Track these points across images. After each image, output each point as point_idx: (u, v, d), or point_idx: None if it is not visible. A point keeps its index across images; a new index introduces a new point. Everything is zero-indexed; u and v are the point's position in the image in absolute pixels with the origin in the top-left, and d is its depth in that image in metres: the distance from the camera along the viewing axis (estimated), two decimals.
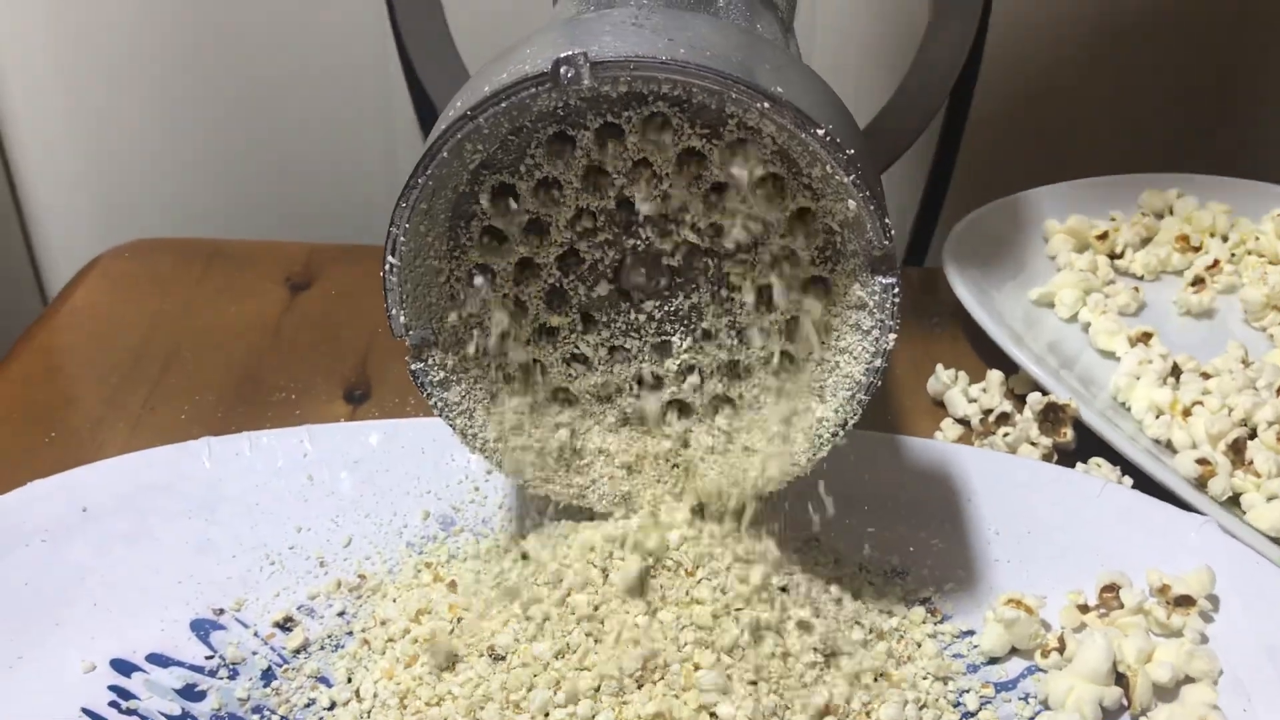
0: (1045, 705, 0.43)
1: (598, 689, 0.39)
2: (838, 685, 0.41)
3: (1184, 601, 0.45)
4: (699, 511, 0.43)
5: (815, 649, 0.41)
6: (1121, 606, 0.45)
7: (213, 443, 0.50)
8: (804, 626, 0.42)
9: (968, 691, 0.44)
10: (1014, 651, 0.45)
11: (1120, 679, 0.43)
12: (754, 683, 0.40)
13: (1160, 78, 0.86)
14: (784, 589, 0.43)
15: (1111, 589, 0.46)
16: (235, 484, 0.50)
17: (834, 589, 0.45)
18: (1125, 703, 0.43)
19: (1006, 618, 0.45)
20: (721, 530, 0.42)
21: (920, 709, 0.42)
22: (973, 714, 0.43)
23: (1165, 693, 0.43)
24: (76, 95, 0.87)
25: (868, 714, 0.41)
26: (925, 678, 0.43)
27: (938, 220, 0.74)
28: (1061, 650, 0.44)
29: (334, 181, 0.90)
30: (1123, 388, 0.58)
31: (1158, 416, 0.56)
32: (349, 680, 0.43)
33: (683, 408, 0.44)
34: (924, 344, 0.64)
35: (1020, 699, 0.44)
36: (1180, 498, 0.51)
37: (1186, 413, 0.55)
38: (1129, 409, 0.57)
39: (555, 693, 0.40)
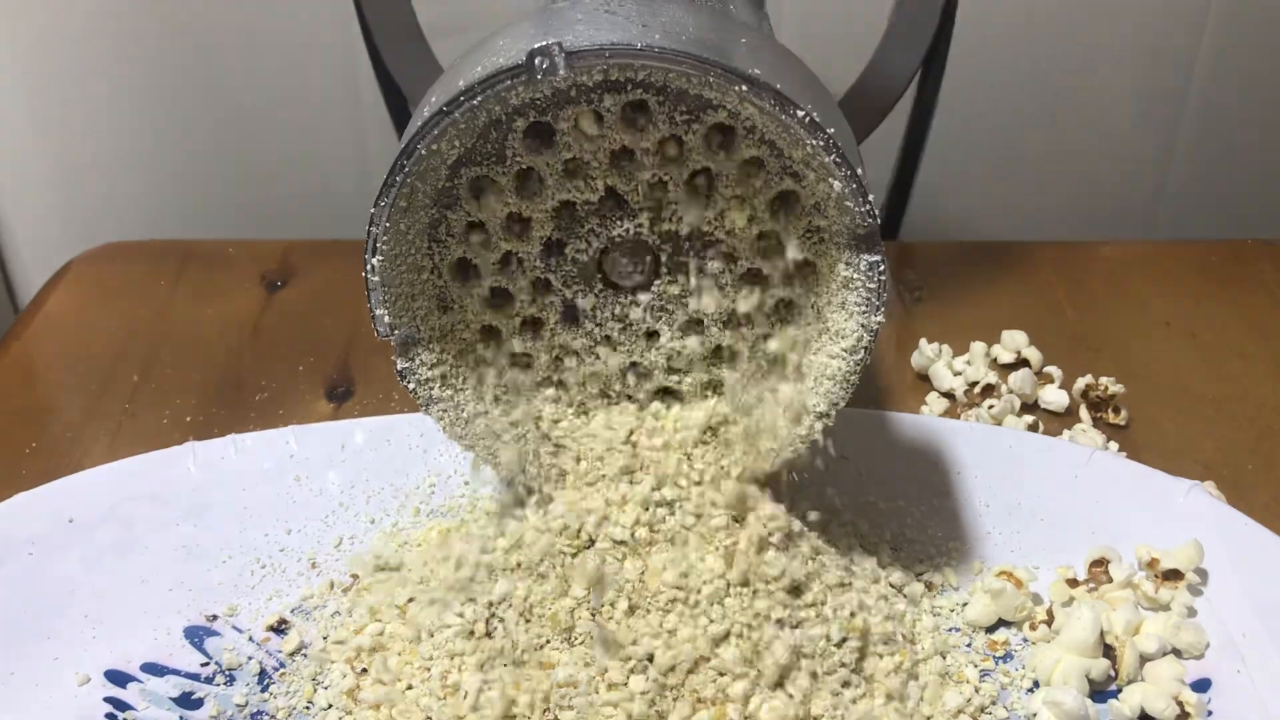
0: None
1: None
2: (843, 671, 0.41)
3: (1172, 575, 0.45)
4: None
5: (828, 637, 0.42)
6: (1110, 580, 0.46)
7: (197, 447, 0.50)
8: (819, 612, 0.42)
9: (967, 666, 0.44)
10: (1005, 624, 0.46)
11: (1108, 651, 0.44)
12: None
13: (1129, 48, 0.86)
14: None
15: (1100, 563, 0.46)
16: (222, 488, 0.49)
17: (838, 568, 0.45)
18: (1113, 674, 0.43)
19: (993, 588, 0.45)
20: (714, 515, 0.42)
21: (922, 687, 0.42)
22: (973, 688, 0.43)
23: None
24: (39, 98, 0.86)
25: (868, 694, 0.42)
26: (928, 654, 0.44)
27: (910, 195, 0.74)
28: (1050, 623, 0.45)
29: (304, 177, 0.89)
30: None
31: None
32: (345, 680, 0.43)
33: (671, 393, 0.44)
34: (905, 319, 0.64)
35: (1017, 670, 0.44)
36: None
37: None
38: None
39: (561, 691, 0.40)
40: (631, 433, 0.44)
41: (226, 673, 0.44)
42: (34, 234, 0.91)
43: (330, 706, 0.42)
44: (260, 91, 0.86)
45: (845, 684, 0.41)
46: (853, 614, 0.42)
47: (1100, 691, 0.43)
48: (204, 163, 0.89)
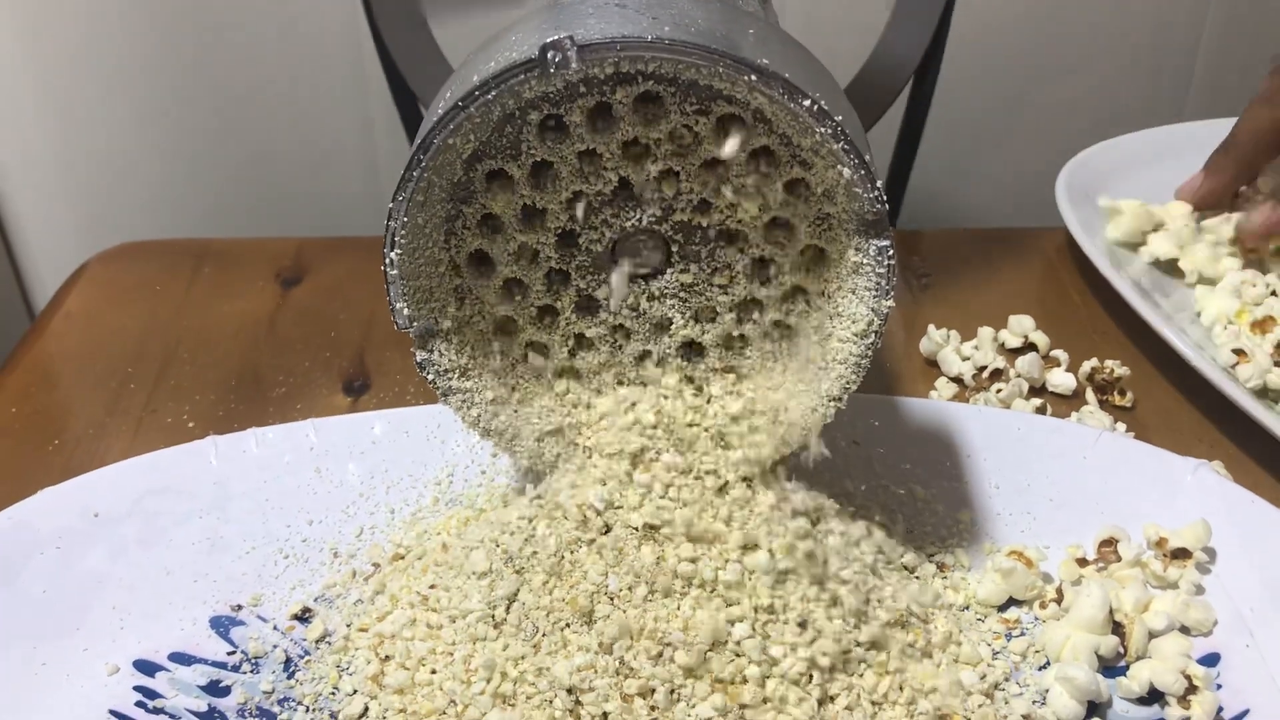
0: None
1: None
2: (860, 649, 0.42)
3: (1180, 554, 0.46)
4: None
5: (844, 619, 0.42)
6: (1119, 559, 0.46)
7: (219, 441, 0.51)
8: (834, 598, 0.42)
9: (980, 644, 0.45)
10: (1016, 603, 0.46)
11: (1117, 628, 0.44)
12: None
13: (1130, 33, 0.87)
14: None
15: (1110, 543, 0.47)
16: (243, 481, 0.50)
17: (852, 550, 0.46)
18: (1122, 650, 0.44)
19: (1004, 568, 0.46)
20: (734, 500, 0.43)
21: (937, 665, 0.43)
22: (986, 665, 0.44)
23: None
24: (51, 100, 0.87)
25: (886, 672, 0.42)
26: (941, 633, 0.44)
27: (907, 182, 0.74)
28: (1060, 601, 0.45)
29: (315, 176, 0.90)
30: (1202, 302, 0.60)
31: (1226, 327, 0.58)
32: (370, 666, 0.44)
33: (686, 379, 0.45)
34: (914, 306, 0.65)
35: (1030, 648, 0.45)
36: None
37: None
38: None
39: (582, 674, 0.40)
40: (647, 419, 0.45)
41: (253, 661, 0.45)
42: (47, 236, 0.92)
43: (355, 692, 0.43)
44: (270, 92, 0.87)
45: (861, 664, 0.42)
46: (867, 596, 0.43)
47: (1109, 668, 0.44)
48: (215, 163, 0.90)
